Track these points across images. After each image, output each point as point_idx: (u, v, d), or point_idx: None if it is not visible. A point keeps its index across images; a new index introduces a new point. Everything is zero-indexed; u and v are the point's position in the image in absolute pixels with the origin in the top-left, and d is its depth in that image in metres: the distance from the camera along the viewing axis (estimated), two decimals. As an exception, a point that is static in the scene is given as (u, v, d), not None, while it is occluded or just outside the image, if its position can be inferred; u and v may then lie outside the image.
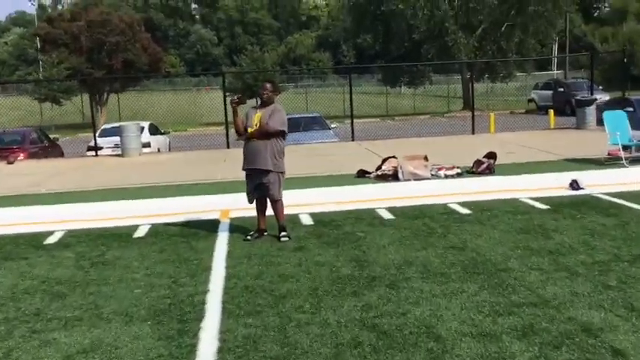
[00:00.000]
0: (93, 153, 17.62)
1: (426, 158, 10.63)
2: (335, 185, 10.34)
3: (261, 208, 7.12)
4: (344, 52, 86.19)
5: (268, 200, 7.04)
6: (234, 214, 8.29)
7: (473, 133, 17.85)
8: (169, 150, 20.33)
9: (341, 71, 62.36)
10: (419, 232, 6.96)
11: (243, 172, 7.09)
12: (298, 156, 14.03)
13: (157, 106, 33.29)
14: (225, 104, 17.51)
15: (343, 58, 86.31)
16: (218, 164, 13.60)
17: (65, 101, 37.95)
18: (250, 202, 7.12)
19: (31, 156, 17.17)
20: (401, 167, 10.57)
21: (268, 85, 6.95)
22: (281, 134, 6.89)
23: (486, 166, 10.66)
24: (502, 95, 40.10)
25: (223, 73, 19.16)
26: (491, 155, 10.88)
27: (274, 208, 7.05)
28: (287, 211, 7.30)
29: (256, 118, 6.86)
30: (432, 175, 10.57)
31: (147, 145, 18.11)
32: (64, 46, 38.49)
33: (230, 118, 9.00)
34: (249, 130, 6.87)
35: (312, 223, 7.70)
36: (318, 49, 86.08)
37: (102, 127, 19.50)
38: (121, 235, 7.46)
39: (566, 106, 27.33)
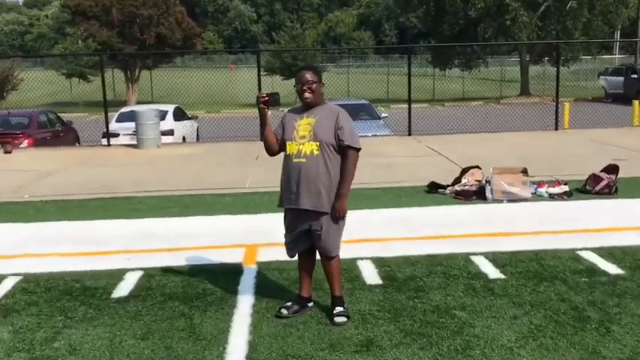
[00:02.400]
0: (115, 140, 15.20)
1: (525, 172, 7.90)
2: (400, 205, 7.72)
3: (307, 267, 4.58)
4: (386, 31, 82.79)
5: (318, 255, 4.48)
6: (264, 255, 5.78)
7: (556, 128, 14.93)
8: (197, 138, 17.87)
9: (382, 51, 59.34)
10: (558, 315, 4.32)
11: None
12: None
13: (191, 84, 30.99)
14: (259, 85, 14.92)
15: (385, 37, 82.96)
16: (249, 163, 11.07)
17: (93, 77, 35.95)
18: (291, 255, 4.58)
19: (38, 143, 14.89)
20: (489, 182, 7.87)
21: (308, 75, 4.29)
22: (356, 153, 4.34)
23: (606, 184, 7.89)
24: (561, 80, 36.66)
25: (259, 50, 16.51)
26: (613, 169, 8.10)
27: (327, 270, 4.48)
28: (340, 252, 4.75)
29: (303, 128, 4.29)
30: (532, 194, 7.86)
31: (169, 132, 15.66)
32: (95, 19, 36.43)
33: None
34: (292, 145, 4.31)
35: (379, 281, 5.11)
36: (358, 27, 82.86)
37: (120, 111, 17.10)
38: (95, 294, 4.99)
39: (639, 95, 24.08)
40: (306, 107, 4.35)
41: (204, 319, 4.42)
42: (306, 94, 4.30)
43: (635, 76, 28.07)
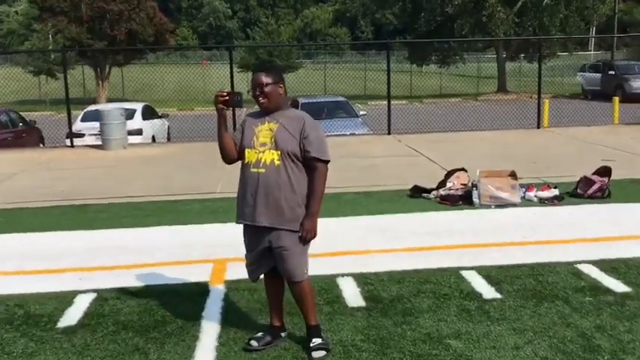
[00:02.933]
0: (79, 140, 14.42)
1: (513, 175, 7.41)
2: (383, 211, 7.18)
3: (275, 292, 4.00)
4: (362, 27, 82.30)
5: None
6: (233, 271, 5.17)
7: (538, 126, 14.51)
8: (168, 137, 17.17)
9: (359, 47, 58.80)
10: (564, 344, 3.81)
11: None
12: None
13: (164, 81, 30.18)
14: (232, 82, 14.26)
15: (361, 33, 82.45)
16: (221, 165, 10.37)
17: (61, 74, 34.92)
18: (254, 279, 3.98)
19: (-3, 144, 14.09)
20: (475, 187, 7.38)
21: (262, 78, 3.70)
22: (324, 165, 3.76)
23: (599, 187, 7.44)
24: (533, 76, 36.54)
25: (232, 46, 15.85)
26: (605, 172, 7.64)
27: (295, 297, 3.90)
28: (317, 265, 4.24)
29: (264, 134, 3.72)
30: (521, 198, 7.39)
31: (138, 132, 14.95)
32: (63, 15, 35.34)
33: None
34: (251, 153, 3.74)
35: (362, 303, 4.56)
36: (335, 24, 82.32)
37: (85, 109, 16.31)
38: (39, 323, 4.36)
39: (617, 92, 23.87)
40: (267, 113, 3.78)
41: (162, 355, 3.83)
42: (261, 100, 3.72)
43: (612, 72, 27.92)
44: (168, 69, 34.29)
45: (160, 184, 9.14)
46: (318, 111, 15.09)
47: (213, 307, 4.55)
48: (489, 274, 5.03)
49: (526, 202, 7.37)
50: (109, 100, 30.82)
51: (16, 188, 9.08)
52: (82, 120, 15.40)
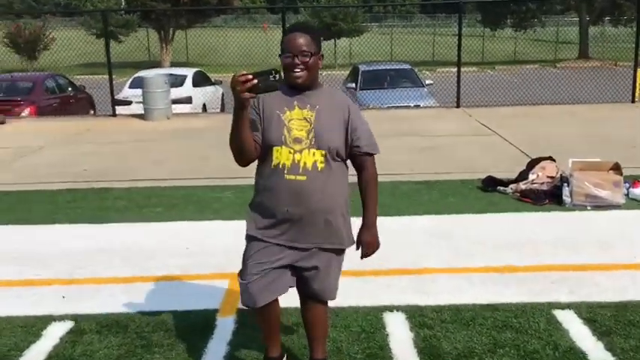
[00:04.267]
0: (122, 108, 13.57)
1: (617, 169, 5.91)
2: (447, 210, 5.86)
3: (275, 317, 2.97)
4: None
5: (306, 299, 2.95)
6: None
7: (633, 100, 12.63)
8: (222, 106, 16.10)
9: (429, 9, 56.03)
10: None
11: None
12: (377, 131, 9.44)
13: (227, 45, 29.21)
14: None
15: (431, -5, 79.11)
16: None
17: (124, 37, 34.50)
18: (256, 304, 2.80)
19: (43, 111, 13.38)
20: (566, 181, 5.94)
21: (302, 40, 2.62)
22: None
23: None
24: (618, 42, 33.40)
25: (284, 7, 14.47)
26: None
27: (316, 321, 3.00)
28: (357, 288, 3.14)
29: (297, 125, 2.67)
30: (625, 196, 5.91)
31: (187, 100, 13.98)
32: (126, -25, 34.80)
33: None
34: (282, 153, 2.67)
35: (415, 358, 3.32)
36: (405, -15, 79.24)
37: (134, 75, 15.41)
38: (-10, 365, 3.36)
39: None
40: (296, 91, 2.65)
41: None
42: (297, 72, 2.62)
43: None
44: (232, 32, 33.27)
45: (194, 165, 8.05)
46: (380, 79, 13.76)
47: (217, 349, 3.41)
48: (594, 317, 3.68)
49: (631, 203, 5.89)
50: (173, 65, 30.17)
51: (35, 165, 8.19)
52: (131, 86, 14.51)
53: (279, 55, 2.64)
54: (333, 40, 32.32)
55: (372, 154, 2.79)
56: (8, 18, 32.29)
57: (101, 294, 4.20)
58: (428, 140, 9.15)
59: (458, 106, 12.47)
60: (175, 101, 12.90)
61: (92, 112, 15.53)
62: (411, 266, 4.55)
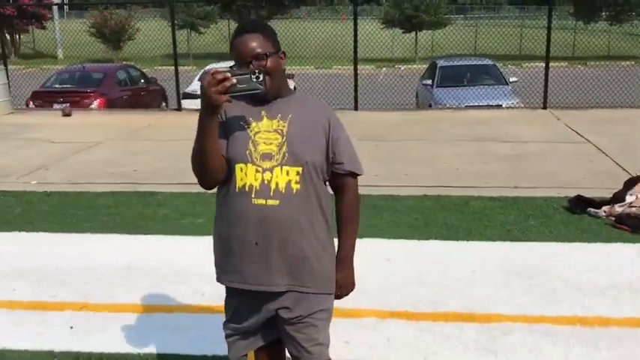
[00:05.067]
0: (190, 102, 13.27)
1: None
2: (528, 236, 5.00)
3: None
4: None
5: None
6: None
7: None
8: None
9: (518, 1, 53.71)
10: None
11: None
12: (450, 135, 8.66)
13: (306, 37, 28.76)
14: (355, 40, 12.16)
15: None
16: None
17: (204, 29, 34.71)
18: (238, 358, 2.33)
19: (112, 103, 13.24)
20: (675, 207, 4.96)
21: (254, 43, 2.12)
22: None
23: None
24: None
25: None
26: None
27: None
28: (408, 337, 2.36)
29: (266, 138, 2.13)
30: None
31: (256, 95, 13.49)
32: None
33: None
34: (248, 172, 2.13)
35: None
36: (493, -25, 76.51)
37: (206, 68, 15.07)
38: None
39: None
40: (263, 100, 2.18)
41: None
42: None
43: None
44: (313, 24, 32.74)
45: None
46: (459, 76, 12.80)
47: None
48: None
49: None
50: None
51: (87, 163, 7.85)
52: (200, 79, 14.19)
53: (231, 67, 2.10)
54: (414, 33, 31.26)
55: (355, 175, 2.27)
56: (97, 8, 33.03)
57: (114, 326, 3.66)
58: (508, 147, 8.22)
59: (544, 107, 11.36)
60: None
61: (164, 104, 15.37)
62: (477, 310, 3.78)
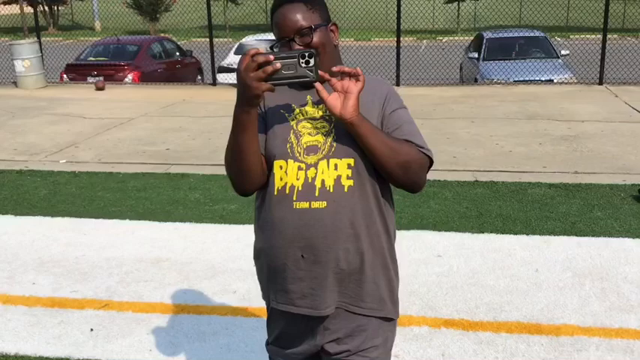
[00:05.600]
0: (225, 76, 12.90)
1: None
2: (592, 230, 4.50)
3: None
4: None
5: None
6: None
7: None
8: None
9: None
10: None
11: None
12: (500, 113, 8.07)
13: (347, 8, 28.04)
14: (399, 12, 11.52)
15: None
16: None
17: (242, 0, 34.21)
18: None
19: (146, 77, 12.93)
20: None
21: (298, 16, 1.70)
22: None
23: None
24: None
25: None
26: None
27: None
28: (454, 343, 1.94)
29: (309, 128, 1.73)
30: None
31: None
32: None
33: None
34: (289, 169, 1.72)
35: None
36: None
37: (242, 40, 14.63)
38: None
39: None
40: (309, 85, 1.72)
41: None
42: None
43: None
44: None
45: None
46: (507, 49, 12.14)
47: None
48: None
49: None
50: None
51: (118, 140, 7.54)
52: (237, 52, 13.78)
53: (271, 47, 1.75)
54: (456, 3, 30.26)
55: (420, 147, 1.74)
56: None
57: (137, 330, 3.32)
58: (564, 127, 7.63)
59: (600, 83, 10.65)
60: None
61: (199, 78, 15.05)
62: (544, 320, 3.33)
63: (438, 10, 30.18)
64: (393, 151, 1.68)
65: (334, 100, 1.65)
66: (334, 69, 1.65)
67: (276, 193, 1.73)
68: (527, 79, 10.87)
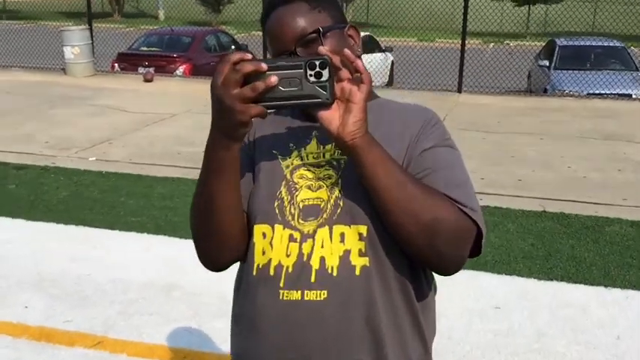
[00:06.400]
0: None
1: None
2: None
3: None
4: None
5: None
6: None
7: None
8: (390, 77, 14.34)
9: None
10: None
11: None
12: (572, 130, 7.21)
13: (412, 5, 27.24)
14: (465, 12, 10.71)
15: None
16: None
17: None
18: None
19: (199, 70, 12.53)
20: None
21: (301, 21, 1.15)
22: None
23: None
24: None
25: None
26: None
27: None
28: None
29: (310, 182, 1.14)
30: None
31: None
32: None
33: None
34: (276, 236, 1.15)
35: None
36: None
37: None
38: None
39: None
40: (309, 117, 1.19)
41: None
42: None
43: None
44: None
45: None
46: (582, 58, 11.20)
47: None
48: None
49: None
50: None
51: (155, 138, 7.10)
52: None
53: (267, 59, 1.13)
54: (527, 7, 29.03)
55: (461, 205, 1.11)
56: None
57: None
58: (648, 151, 6.77)
59: (688, 100, 9.64)
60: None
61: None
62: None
63: (507, 12, 28.99)
64: (415, 201, 1.06)
65: (331, 112, 1.05)
66: (345, 51, 1.04)
67: (255, 273, 1.17)
68: (602, 92, 9.95)
